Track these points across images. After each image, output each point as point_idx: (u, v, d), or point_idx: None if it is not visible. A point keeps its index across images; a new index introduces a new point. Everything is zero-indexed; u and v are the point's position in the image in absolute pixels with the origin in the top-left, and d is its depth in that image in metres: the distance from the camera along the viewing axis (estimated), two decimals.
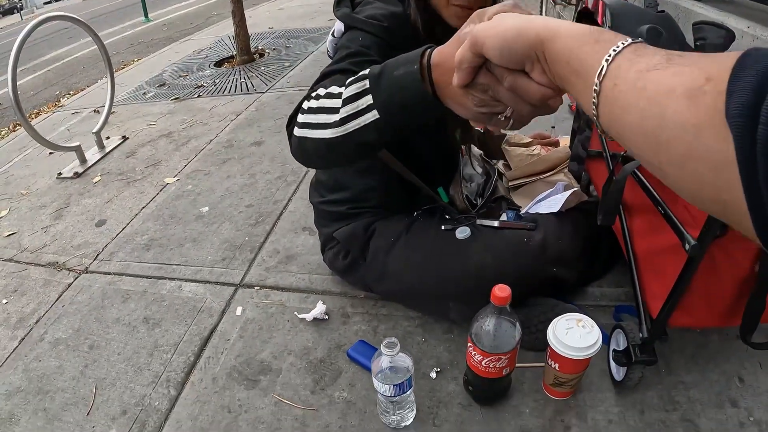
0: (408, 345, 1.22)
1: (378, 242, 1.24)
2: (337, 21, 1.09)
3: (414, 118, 0.67)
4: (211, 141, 2.62)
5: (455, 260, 1.15)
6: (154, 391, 1.21)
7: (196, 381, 1.22)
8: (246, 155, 2.39)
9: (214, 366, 1.26)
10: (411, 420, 1.04)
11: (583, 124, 1.37)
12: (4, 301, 1.64)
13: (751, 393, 1.01)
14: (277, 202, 1.94)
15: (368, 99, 0.68)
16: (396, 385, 0.93)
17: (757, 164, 0.26)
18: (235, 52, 4.09)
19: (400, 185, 1.25)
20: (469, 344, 0.95)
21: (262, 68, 3.75)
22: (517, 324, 0.92)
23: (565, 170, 1.49)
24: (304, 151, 0.80)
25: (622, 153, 1.06)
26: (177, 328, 1.40)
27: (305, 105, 0.79)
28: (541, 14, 3.24)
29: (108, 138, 2.80)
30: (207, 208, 1.98)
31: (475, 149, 1.47)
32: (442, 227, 1.21)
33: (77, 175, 2.45)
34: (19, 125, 3.45)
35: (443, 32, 1.01)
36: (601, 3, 1.07)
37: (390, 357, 0.91)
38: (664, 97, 0.32)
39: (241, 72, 3.75)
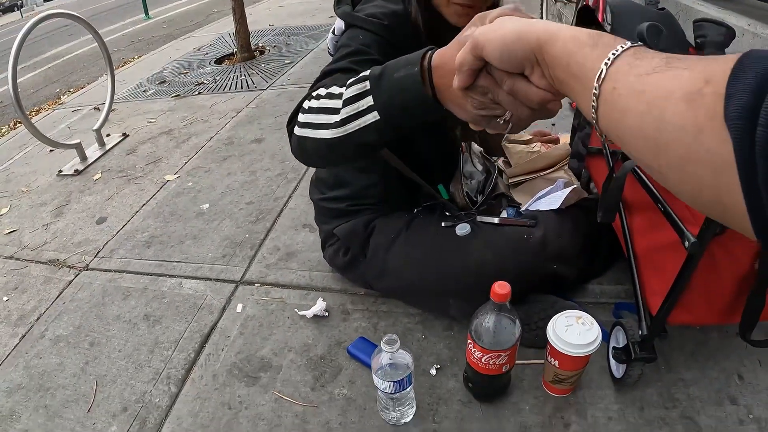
0: (408, 342, 1.22)
1: (378, 239, 1.24)
2: (338, 19, 1.09)
3: (414, 120, 0.68)
4: (211, 138, 2.61)
5: (455, 257, 1.15)
6: (155, 388, 1.22)
7: (196, 378, 1.23)
8: (246, 152, 2.39)
9: (215, 363, 1.26)
10: (411, 417, 1.04)
11: (583, 122, 1.37)
12: (5, 298, 1.65)
13: (751, 390, 1.01)
14: (277, 199, 1.94)
15: (369, 100, 0.68)
16: (396, 381, 0.93)
17: (756, 166, 0.26)
18: (235, 50, 4.09)
19: (401, 182, 1.25)
20: (469, 341, 0.95)
21: (263, 65, 3.75)
22: (517, 321, 0.92)
23: (566, 167, 1.49)
24: (304, 150, 0.80)
25: (622, 150, 1.06)
26: (177, 325, 1.40)
27: (306, 104, 0.79)
28: (541, 12, 3.23)
29: (108, 135, 2.80)
30: (207, 206, 1.98)
31: (476, 146, 1.47)
32: (442, 224, 1.21)
33: (78, 172, 2.45)
34: (20, 123, 3.46)
35: (444, 30, 1.01)
36: (601, 0, 1.07)
37: (390, 354, 0.91)
38: (663, 100, 0.32)
39: (242, 69, 3.74)
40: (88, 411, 1.19)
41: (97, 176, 2.39)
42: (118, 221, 1.97)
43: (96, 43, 2.75)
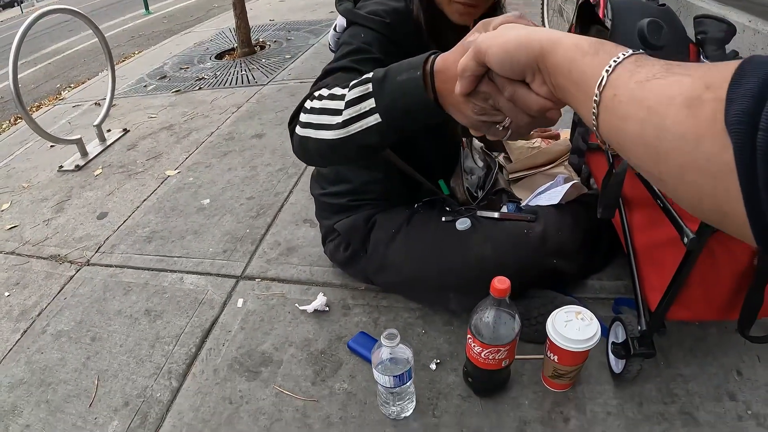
0: (408, 336, 1.23)
1: (379, 234, 1.24)
2: (339, 16, 1.09)
3: (416, 123, 0.68)
4: (212, 133, 2.61)
5: (456, 251, 1.16)
6: (156, 383, 1.22)
7: (197, 372, 1.23)
8: (247, 147, 2.39)
9: (216, 357, 1.26)
10: (411, 411, 1.05)
11: None
12: (6, 293, 1.65)
13: (750, 386, 1.01)
14: (278, 195, 1.94)
15: (371, 102, 0.68)
16: (396, 376, 0.94)
17: (756, 171, 0.26)
18: (236, 45, 4.07)
19: (401, 178, 1.25)
20: (469, 336, 0.96)
21: (263, 60, 3.74)
22: (517, 316, 0.92)
23: (566, 163, 1.49)
24: (305, 150, 0.81)
25: None
26: (178, 319, 1.41)
27: (308, 104, 0.79)
28: (542, 9, 3.22)
29: (109, 131, 2.80)
30: (208, 201, 1.98)
31: (476, 142, 1.47)
32: (443, 219, 1.21)
33: (78, 168, 2.45)
34: (20, 118, 3.46)
35: (445, 28, 1.02)
36: None
37: (390, 348, 0.92)
38: (664, 106, 0.32)
39: (242, 64, 3.74)
40: (90, 406, 1.20)
41: (97, 172, 2.39)
42: (119, 216, 1.98)
43: (96, 39, 2.74)
